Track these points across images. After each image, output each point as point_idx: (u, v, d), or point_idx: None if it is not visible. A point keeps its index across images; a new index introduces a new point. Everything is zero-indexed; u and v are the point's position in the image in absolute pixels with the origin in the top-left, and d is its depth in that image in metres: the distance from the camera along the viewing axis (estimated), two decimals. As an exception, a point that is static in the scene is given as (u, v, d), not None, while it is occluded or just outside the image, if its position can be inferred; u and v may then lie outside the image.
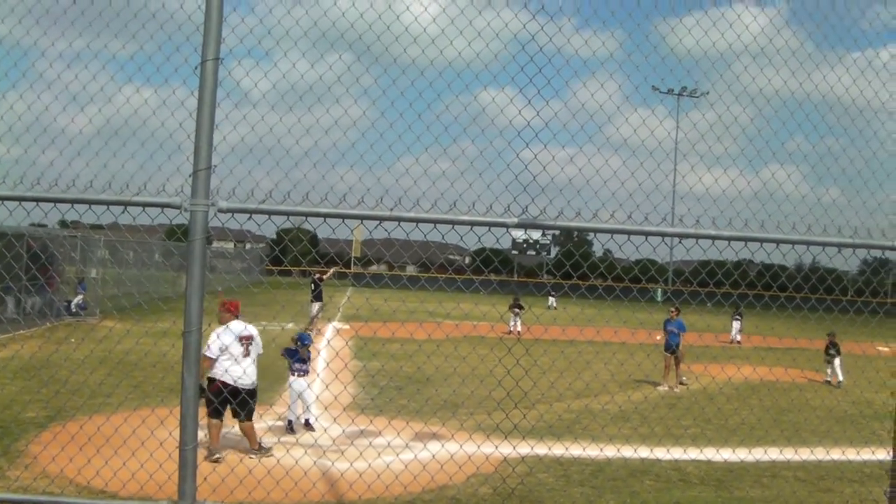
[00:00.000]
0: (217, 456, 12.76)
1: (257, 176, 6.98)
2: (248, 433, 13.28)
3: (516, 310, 39.41)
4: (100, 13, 7.00)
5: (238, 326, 13.54)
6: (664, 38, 8.15)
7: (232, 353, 13.10)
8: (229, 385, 12.90)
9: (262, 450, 13.21)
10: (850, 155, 7.83)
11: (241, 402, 12.71)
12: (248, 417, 13.11)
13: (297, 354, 15.44)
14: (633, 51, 7.83)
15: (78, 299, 36.16)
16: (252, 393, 13.15)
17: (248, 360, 13.26)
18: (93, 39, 7.17)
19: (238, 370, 13.03)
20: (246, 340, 13.40)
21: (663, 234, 6.84)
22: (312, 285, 35.98)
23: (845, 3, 7.28)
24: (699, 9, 7.57)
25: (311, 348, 15.94)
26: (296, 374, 15.33)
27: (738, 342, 40.84)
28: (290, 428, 15.19)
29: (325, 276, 37.19)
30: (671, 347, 23.95)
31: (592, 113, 7.70)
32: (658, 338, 25.84)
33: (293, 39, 7.21)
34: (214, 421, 12.97)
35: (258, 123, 7.19)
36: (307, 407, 15.46)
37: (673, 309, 24.99)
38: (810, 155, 8.22)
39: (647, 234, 6.80)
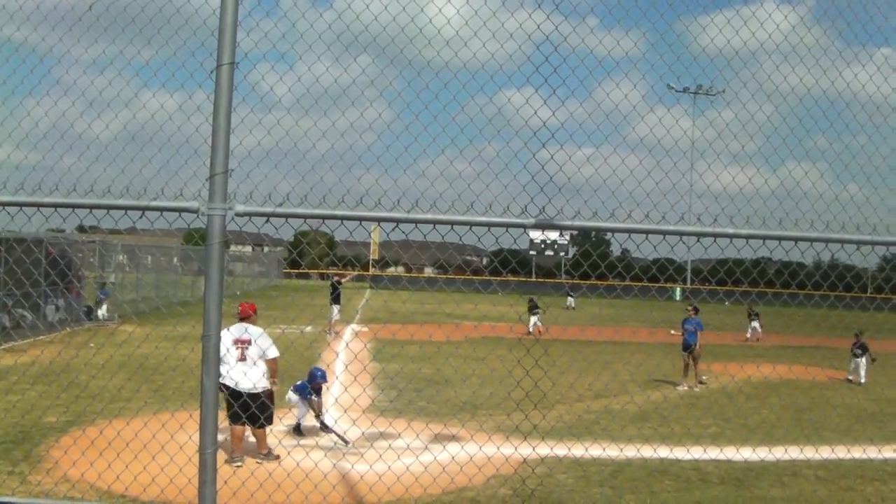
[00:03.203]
0: (238, 463, 12.76)
1: (274, 179, 7.00)
2: (257, 436, 13.24)
3: (535, 311, 39.21)
4: (115, 19, 7.03)
5: (238, 329, 13.47)
6: (679, 36, 8.13)
7: (230, 355, 13.07)
8: (230, 388, 12.85)
9: (269, 455, 13.18)
10: (869, 151, 7.79)
11: (243, 405, 12.58)
12: (253, 423, 12.91)
13: (307, 389, 15.28)
14: (648, 49, 7.81)
15: (103, 310, 35.90)
16: (254, 397, 12.88)
17: (246, 364, 13.04)
18: (108, 45, 7.20)
19: (237, 374, 12.91)
20: (241, 344, 13.26)
21: (681, 233, 6.82)
22: (331, 288, 36.21)
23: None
24: (714, 7, 7.55)
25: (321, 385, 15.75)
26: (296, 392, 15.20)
27: (758, 339, 40.67)
28: (298, 429, 15.11)
29: (343, 280, 37.40)
30: (689, 346, 23.82)
31: (608, 112, 7.69)
32: (672, 332, 25.81)
33: (308, 42, 7.22)
34: (234, 427, 12.98)
35: (275, 127, 7.20)
36: (326, 409, 15.43)
37: (691, 307, 24.90)
38: (828, 152, 8.18)
39: (664, 233, 6.76)
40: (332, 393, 15.77)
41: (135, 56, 7.45)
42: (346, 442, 14.51)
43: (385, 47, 7.37)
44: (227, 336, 13.15)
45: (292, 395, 15.19)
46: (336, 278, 37.30)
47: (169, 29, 7.07)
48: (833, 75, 7.60)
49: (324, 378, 15.60)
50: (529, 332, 37.48)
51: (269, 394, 13.27)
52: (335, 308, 35.60)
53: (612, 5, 7.22)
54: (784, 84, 7.67)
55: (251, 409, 12.61)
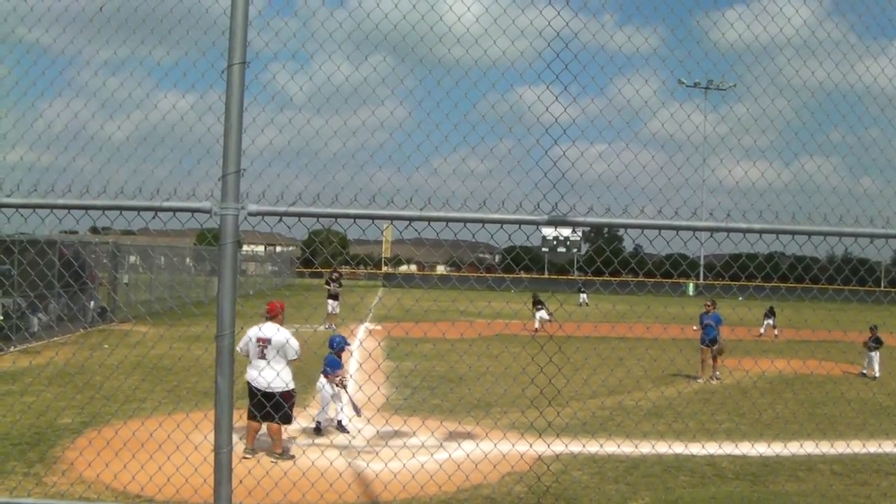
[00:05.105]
0: (248, 455, 12.86)
1: (287, 178, 7.00)
2: (272, 434, 13.30)
3: (538, 306, 38.70)
4: (126, 19, 7.04)
5: (255, 328, 13.59)
6: (690, 32, 8.09)
7: (249, 353, 13.34)
8: (249, 384, 12.97)
9: (283, 454, 13.22)
10: (882, 144, 7.75)
11: (257, 403, 12.61)
12: (268, 419, 13.03)
13: (335, 361, 15.50)
14: (659, 45, 7.80)
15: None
16: (267, 396, 12.68)
17: (263, 362, 13.09)
18: (120, 46, 7.21)
19: (253, 371, 13.06)
20: (261, 342, 13.38)
21: (694, 229, 6.80)
22: (333, 284, 36.99)
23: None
24: (726, 2, 7.53)
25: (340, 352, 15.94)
26: (327, 378, 15.33)
27: (776, 336, 40.46)
28: (318, 430, 15.15)
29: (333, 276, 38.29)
30: (709, 341, 23.81)
31: (620, 108, 7.67)
32: (694, 328, 25.81)
33: (320, 41, 7.23)
34: (249, 422, 13.11)
35: (287, 126, 7.21)
36: (340, 408, 15.45)
37: (709, 302, 24.98)
38: (841, 145, 8.16)
39: (677, 228, 6.75)
40: (347, 391, 15.74)
41: (146, 57, 7.46)
42: (358, 413, 14.94)
43: (396, 45, 7.37)
44: (253, 334, 13.49)
45: (322, 380, 15.34)
46: (334, 274, 38.01)
47: (180, 29, 7.08)
48: (845, 68, 7.56)
49: (344, 342, 16.20)
50: (537, 330, 37.07)
51: (284, 394, 13.22)
52: (330, 303, 36.35)
53: (623, 1, 7.21)
54: (796, 78, 7.64)
55: (266, 409, 12.64)
